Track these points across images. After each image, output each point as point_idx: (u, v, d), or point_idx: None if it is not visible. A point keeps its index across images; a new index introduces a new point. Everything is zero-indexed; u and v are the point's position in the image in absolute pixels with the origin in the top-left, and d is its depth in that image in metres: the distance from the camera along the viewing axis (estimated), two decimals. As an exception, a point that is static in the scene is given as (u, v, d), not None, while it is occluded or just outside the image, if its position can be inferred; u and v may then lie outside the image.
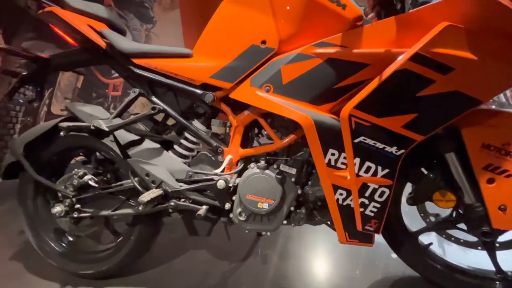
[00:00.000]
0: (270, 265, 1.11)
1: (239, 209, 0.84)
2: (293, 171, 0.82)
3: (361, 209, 0.73)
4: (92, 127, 0.81)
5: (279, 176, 0.80)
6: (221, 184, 0.82)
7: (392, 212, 0.85)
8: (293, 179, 0.82)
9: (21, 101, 1.00)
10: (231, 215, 0.87)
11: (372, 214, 0.73)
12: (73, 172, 0.95)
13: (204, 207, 0.83)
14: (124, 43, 0.87)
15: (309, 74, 0.73)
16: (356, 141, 0.66)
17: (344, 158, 0.72)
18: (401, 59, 0.60)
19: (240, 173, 0.86)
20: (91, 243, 1.13)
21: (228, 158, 0.86)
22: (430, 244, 0.92)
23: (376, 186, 0.70)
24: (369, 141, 0.66)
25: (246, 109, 0.85)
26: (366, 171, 0.69)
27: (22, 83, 0.99)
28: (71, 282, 1.04)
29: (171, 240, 1.28)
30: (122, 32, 1.01)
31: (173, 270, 1.09)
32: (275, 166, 0.84)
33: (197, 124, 0.92)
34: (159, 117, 1.02)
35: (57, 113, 2.12)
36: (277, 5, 0.75)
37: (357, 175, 0.69)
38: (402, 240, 0.91)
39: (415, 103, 0.62)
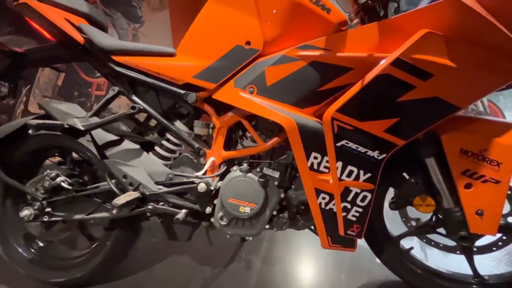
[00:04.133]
0: (253, 270, 1.08)
1: (221, 213, 0.82)
2: (276, 174, 0.81)
3: (344, 214, 0.72)
4: (66, 126, 0.77)
5: (262, 180, 0.79)
6: (202, 187, 0.79)
7: (374, 217, 0.85)
8: (276, 183, 0.81)
9: (-6, 97, 0.93)
10: (212, 220, 0.84)
11: (355, 219, 0.73)
12: (45, 173, 0.90)
13: (183, 211, 0.80)
14: (104, 39, 0.84)
15: (293, 77, 0.72)
16: (338, 144, 0.66)
17: (327, 161, 0.71)
18: (383, 63, 0.61)
19: (222, 176, 0.84)
20: (65, 249, 1.07)
21: (210, 160, 0.84)
22: (411, 248, 0.93)
23: (358, 191, 0.70)
24: (352, 145, 0.65)
25: (230, 110, 0.83)
26: (349, 175, 0.68)
27: (-6, 78, 0.93)
28: (40, 290, 0.97)
29: (151, 245, 1.23)
30: (103, 29, 0.98)
31: (154, 276, 1.05)
32: (258, 169, 0.82)
33: (179, 125, 0.89)
34: (142, 117, 0.98)
35: (34, 111, 2.02)
36: (262, 6, 0.74)
37: (340, 179, 0.69)
38: (384, 245, 0.91)
39: (397, 108, 0.62)
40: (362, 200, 0.71)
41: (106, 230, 0.94)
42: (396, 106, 0.63)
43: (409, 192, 0.83)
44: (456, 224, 0.76)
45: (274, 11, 0.74)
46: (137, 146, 0.88)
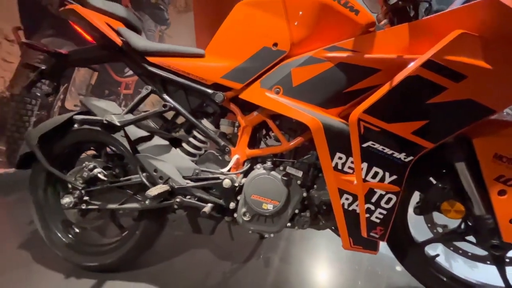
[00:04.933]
0: (271, 268, 1.10)
1: (244, 209, 0.84)
2: (299, 173, 0.82)
3: (367, 215, 0.72)
4: (105, 121, 0.84)
5: (285, 178, 0.80)
6: (227, 183, 0.82)
7: (398, 221, 0.84)
8: (299, 182, 0.82)
9: (38, 94, 1.02)
10: (235, 215, 0.87)
11: (378, 221, 0.72)
12: (84, 165, 0.98)
13: (209, 205, 0.84)
14: (140, 41, 0.90)
15: (319, 78, 0.73)
16: (364, 145, 0.66)
17: (352, 162, 0.72)
18: (413, 65, 0.60)
19: (246, 173, 0.87)
20: (96, 236, 1.15)
21: (235, 157, 0.87)
22: (437, 255, 0.90)
23: (383, 192, 0.69)
24: (378, 146, 0.65)
25: (255, 110, 0.86)
26: (373, 177, 0.68)
27: (40, 77, 1.03)
28: (75, 273, 1.05)
29: (173, 238, 1.29)
30: (138, 31, 1.04)
31: (174, 268, 1.09)
32: (281, 167, 0.84)
33: (205, 123, 0.93)
34: (169, 115, 1.04)
35: (70, 108, 2.18)
36: (290, 9, 0.76)
37: (364, 180, 0.69)
38: (407, 250, 0.89)
39: (426, 110, 0.62)
40: (387, 202, 0.70)
41: (135, 221, 1.00)
42: (425, 108, 0.62)
43: (436, 197, 0.81)
44: (488, 232, 0.73)
45: (302, 13, 0.75)
46: (166, 142, 0.93)
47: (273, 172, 0.82)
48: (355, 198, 0.74)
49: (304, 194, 0.83)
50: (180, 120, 1.08)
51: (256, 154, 0.87)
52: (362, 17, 0.74)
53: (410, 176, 0.68)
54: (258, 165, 0.85)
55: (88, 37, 0.97)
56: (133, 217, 1.02)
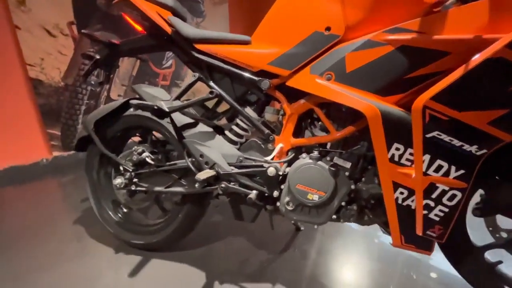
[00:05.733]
0: (306, 261, 1.08)
1: (287, 198, 0.83)
2: (348, 165, 0.79)
3: (425, 212, 0.67)
4: (155, 107, 0.87)
5: (332, 169, 0.77)
6: (271, 171, 0.81)
7: (456, 221, 0.76)
8: (347, 173, 0.79)
9: (93, 82, 1.10)
10: (277, 204, 0.86)
11: (437, 219, 0.67)
12: (133, 148, 1.03)
13: (255, 191, 0.84)
14: (188, 29, 0.91)
15: (377, 63, 0.68)
16: (428, 136, 0.60)
17: (410, 154, 0.66)
18: (494, 45, 0.53)
19: (290, 163, 0.85)
20: (140, 216, 1.22)
21: (279, 146, 0.86)
22: (500, 262, 0.81)
23: (446, 188, 0.63)
24: (444, 137, 0.59)
25: (301, 97, 0.83)
26: (436, 170, 0.63)
27: (95, 66, 1.10)
28: (124, 250, 1.13)
29: (213, 223, 1.32)
30: (184, 20, 1.06)
31: (214, 252, 1.13)
32: (328, 158, 0.81)
33: (249, 111, 0.92)
34: (210, 104, 1.05)
35: (115, 98, 2.32)
36: None
37: (425, 174, 0.63)
38: (464, 254, 0.81)
39: (508, 98, 0.54)
40: (450, 199, 0.64)
41: (178, 205, 1.04)
42: (507, 95, 0.54)
43: (503, 199, 0.73)
44: None
45: (360, -7, 0.70)
46: (211, 129, 0.95)
47: (320, 162, 0.79)
48: (411, 192, 0.68)
49: (352, 187, 0.79)
50: (221, 109, 1.09)
51: (301, 143, 0.84)
52: (428, -4, 0.67)
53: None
54: (304, 155, 0.83)
55: (138, 27, 1.01)
56: (176, 201, 1.06)
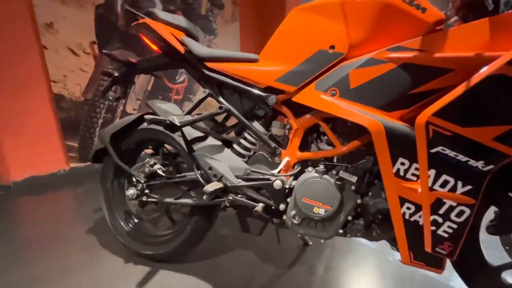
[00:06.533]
0: (315, 277, 1.06)
1: (293, 212, 0.84)
2: (354, 179, 0.79)
3: (433, 228, 0.66)
4: (167, 122, 0.92)
5: (338, 183, 0.78)
6: (278, 184, 0.83)
7: (468, 239, 0.74)
8: (353, 187, 0.79)
9: (111, 98, 1.17)
10: (284, 217, 0.87)
11: (446, 235, 0.65)
12: (146, 161, 1.08)
13: (261, 204, 0.85)
14: (200, 48, 0.97)
15: (380, 79, 0.70)
16: (433, 151, 0.61)
17: (416, 169, 0.67)
18: (496, 63, 0.54)
19: (296, 176, 0.87)
20: (150, 227, 1.25)
21: (285, 160, 0.87)
22: (518, 283, 0.77)
23: (454, 204, 0.63)
24: (449, 152, 0.60)
25: (307, 112, 0.85)
26: (442, 186, 0.62)
27: (114, 83, 1.17)
28: (133, 260, 1.16)
29: (221, 236, 1.33)
30: (196, 40, 1.13)
31: (221, 265, 1.13)
32: (334, 172, 0.82)
33: (256, 125, 0.96)
34: (219, 118, 1.09)
35: (130, 111, 2.43)
36: (349, 11, 0.75)
37: (431, 189, 0.63)
38: (479, 274, 0.78)
39: (511, 114, 0.55)
40: (458, 215, 0.63)
41: (187, 216, 1.06)
42: (510, 111, 0.55)
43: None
44: None
45: (362, 15, 0.74)
46: (219, 143, 0.98)
47: (325, 176, 0.80)
48: (418, 208, 0.68)
49: (359, 201, 0.79)
50: (229, 122, 1.13)
51: (307, 157, 0.86)
52: (430, 15, 0.70)
53: (486, 187, 0.61)
54: (310, 168, 0.84)
55: (154, 47, 1.08)
56: (185, 212, 1.08)
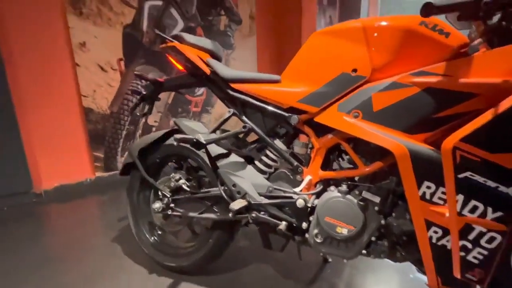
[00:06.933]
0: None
1: (316, 231, 0.85)
2: (377, 199, 0.79)
3: (462, 254, 0.65)
4: (194, 140, 0.96)
5: (361, 203, 0.79)
6: (300, 203, 0.85)
7: (501, 264, 0.72)
8: (376, 208, 0.79)
9: (138, 114, 1.24)
10: (306, 235, 0.88)
11: (477, 262, 0.64)
12: (171, 176, 1.13)
13: (284, 222, 0.87)
14: (225, 70, 1.02)
15: (404, 103, 0.71)
16: (460, 176, 0.61)
17: (442, 193, 0.66)
18: (525, 90, 0.54)
19: (318, 195, 0.88)
20: (173, 239, 1.29)
21: (307, 178, 0.89)
22: (556, 314, 0.73)
23: (484, 230, 0.62)
24: (478, 178, 0.59)
25: (329, 132, 0.87)
26: (472, 211, 0.62)
27: (142, 100, 1.25)
28: (156, 270, 1.20)
29: (241, 249, 1.35)
30: (220, 60, 1.19)
31: (240, 278, 1.14)
32: (356, 192, 0.83)
33: (278, 143, 0.98)
34: (241, 134, 1.13)
35: (151, 124, 2.54)
36: (372, 36, 0.77)
37: (460, 214, 0.63)
38: (512, 301, 0.75)
39: (544, 140, 0.54)
40: (489, 241, 0.62)
41: (209, 230, 1.10)
42: (542, 138, 0.54)
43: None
44: None
45: (385, 40, 0.76)
46: (242, 160, 1.02)
47: (348, 196, 0.81)
48: (446, 232, 0.67)
49: (382, 222, 0.79)
50: (250, 139, 1.17)
51: (329, 176, 0.87)
52: (454, 39, 0.71)
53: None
54: (332, 187, 0.85)
55: (180, 67, 1.15)
56: (207, 226, 1.12)
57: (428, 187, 0.67)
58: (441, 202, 0.67)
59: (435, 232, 0.68)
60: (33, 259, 1.33)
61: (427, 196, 0.68)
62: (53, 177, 2.15)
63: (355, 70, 0.80)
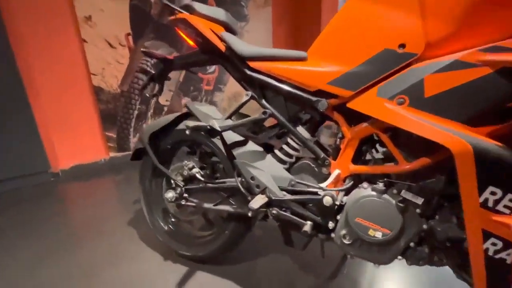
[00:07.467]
0: (358, 290, 1.00)
1: (344, 231, 0.76)
2: (419, 200, 0.68)
3: (526, 271, 0.54)
4: (208, 127, 0.87)
5: (401, 204, 0.68)
6: (328, 201, 0.75)
7: None
8: (418, 210, 0.69)
9: (148, 94, 1.15)
10: (332, 235, 0.80)
11: (544, 282, 0.54)
12: (184, 163, 1.05)
13: (309, 223, 0.78)
14: (242, 46, 0.89)
15: (468, 87, 0.57)
16: (541, 183, 0.48)
17: (510, 200, 0.54)
18: None
19: (347, 192, 0.78)
20: (188, 227, 1.26)
21: (336, 172, 0.79)
22: None
23: (562, 248, 0.51)
24: None
25: (363, 120, 0.75)
26: (549, 225, 0.50)
27: (151, 80, 1.15)
28: (171, 257, 1.18)
29: (259, 241, 1.30)
30: (235, 33, 1.05)
31: (258, 270, 1.10)
32: (395, 191, 0.72)
33: (301, 130, 0.87)
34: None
35: (163, 103, 2.46)
36: (430, 1, 0.61)
37: (532, 227, 0.51)
38: None
39: None
40: None
41: (225, 221, 1.04)
42: None
43: None
44: None
45: (447, 5, 0.60)
46: (261, 149, 0.92)
47: (385, 195, 0.70)
48: (507, 245, 0.56)
49: (424, 226, 0.69)
50: (267, 122, 1.05)
51: (362, 171, 0.76)
52: (544, 3, 0.54)
53: None
54: (365, 184, 0.75)
55: (190, 42, 1.02)
56: (223, 216, 1.06)
57: (493, 193, 0.55)
58: (507, 211, 0.55)
59: (494, 244, 0.58)
60: (53, 238, 1.36)
61: (490, 204, 0.56)
62: (69, 157, 2.17)
63: (402, 46, 0.65)
